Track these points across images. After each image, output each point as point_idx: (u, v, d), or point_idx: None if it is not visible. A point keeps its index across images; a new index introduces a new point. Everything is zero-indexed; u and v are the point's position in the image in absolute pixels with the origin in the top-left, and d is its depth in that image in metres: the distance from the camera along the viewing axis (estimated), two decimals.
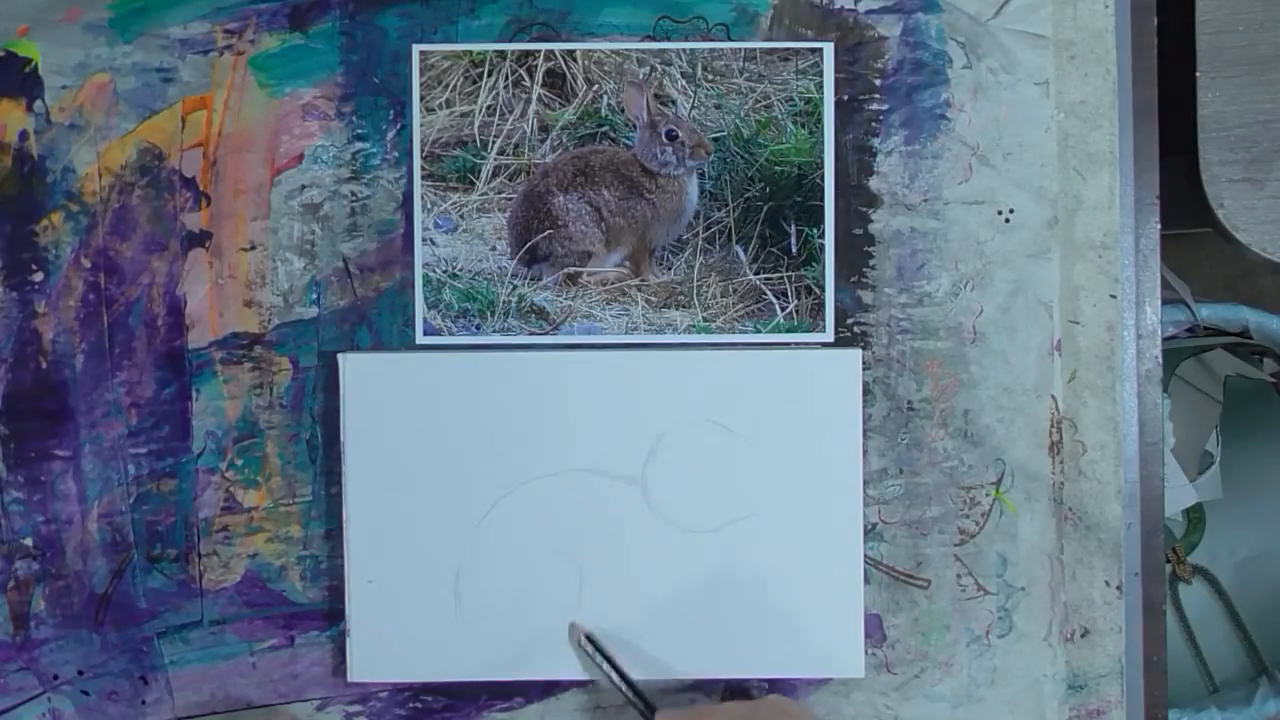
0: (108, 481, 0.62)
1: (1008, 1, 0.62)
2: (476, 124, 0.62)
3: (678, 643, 0.61)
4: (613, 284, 0.63)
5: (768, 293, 0.62)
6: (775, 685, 0.62)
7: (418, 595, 0.61)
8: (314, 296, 0.62)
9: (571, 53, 0.62)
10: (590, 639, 0.60)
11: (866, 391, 0.62)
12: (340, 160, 0.62)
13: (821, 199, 0.62)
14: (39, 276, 0.62)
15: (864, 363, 0.62)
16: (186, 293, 0.62)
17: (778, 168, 0.62)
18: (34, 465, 0.62)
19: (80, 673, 0.62)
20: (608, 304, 0.63)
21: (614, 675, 0.59)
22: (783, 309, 0.62)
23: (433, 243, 0.62)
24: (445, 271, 0.62)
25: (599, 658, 0.60)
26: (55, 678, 0.62)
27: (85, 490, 0.62)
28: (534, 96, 0.62)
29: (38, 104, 0.62)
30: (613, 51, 0.62)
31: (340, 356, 0.61)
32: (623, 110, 0.62)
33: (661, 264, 0.63)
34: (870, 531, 0.62)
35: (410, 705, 0.63)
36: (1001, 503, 0.63)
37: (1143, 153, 0.64)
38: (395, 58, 0.62)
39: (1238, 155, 0.71)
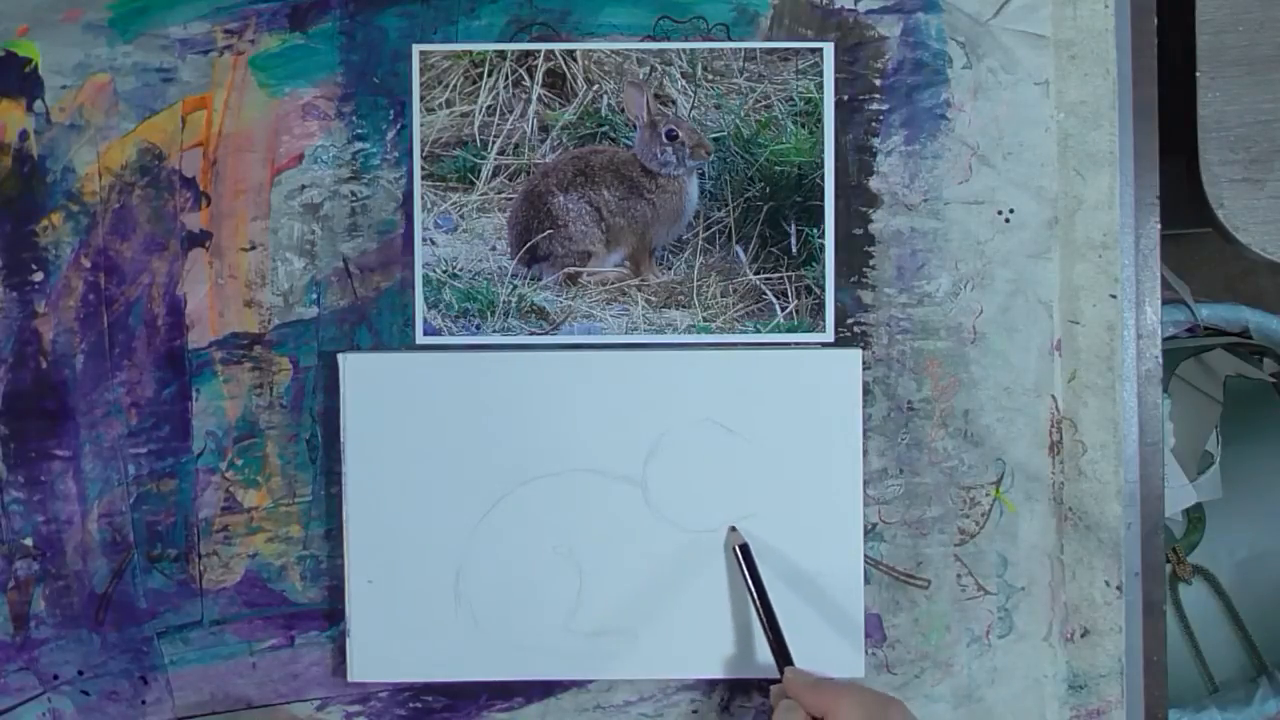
0: (108, 481, 0.62)
1: (1008, 1, 0.62)
2: (476, 124, 0.62)
3: (678, 643, 0.61)
4: (613, 284, 0.63)
5: (768, 293, 0.62)
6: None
7: (418, 595, 0.61)
8: (314, 296, 0.62)
9: (571, 53, 0.62)
10: (744, 550, 0.56)
11: (866, 391, 0.62)
12: (340, 160, 0.62)
13: (821, 199, 0.62)
14: (39, 276, 0.62)
15: (864, 363, 0.62)
16: (186, 293, 0.62)
17: (778, 168, 0.62)
18: (34, 465, 0.62)
19: (80, 673, 0.62)
20: (608, 304, 0.63)
21: (758, 606, 0.55)
22: (783, 309, 0.62)
23: (433, 243, 0.62)
24: (445, 271, 0.62)
25: (749, 580, 0.57)
26: (55, 678, 0.62)
27: (85, 490, 0.62)
28: (534, 96, 0.62)
29: (38, 104, 0.62)
30: (613, 51, 0.62)
31: (340, 356, 0.61)
32: (623, 110, 0.62)
33: (661, 264, 0.63)
34: (870, 531, 0.62)
35: (410, 705, 0.63)
36: (1001, 503, 0.63)
37: (1143, 153, 0.64)
38: (395, 58, 0.62)
39: (1238, 155, 0.71)
